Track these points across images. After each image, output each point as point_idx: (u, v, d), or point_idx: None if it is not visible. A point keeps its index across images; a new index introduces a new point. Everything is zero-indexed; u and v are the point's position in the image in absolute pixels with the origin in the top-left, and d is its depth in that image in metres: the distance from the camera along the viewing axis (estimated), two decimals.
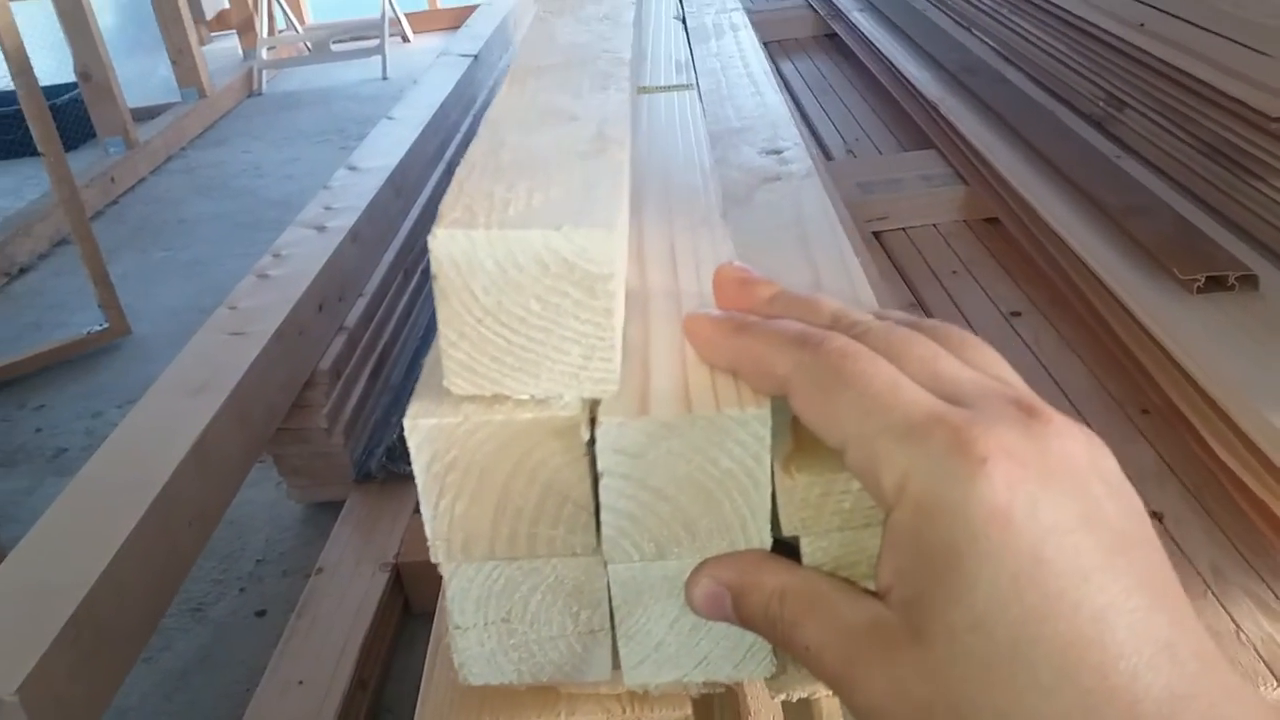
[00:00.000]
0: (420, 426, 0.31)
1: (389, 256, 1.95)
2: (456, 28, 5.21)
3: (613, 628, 0.36)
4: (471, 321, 0.30)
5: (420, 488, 0.33)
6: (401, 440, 1.64)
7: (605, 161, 0.34)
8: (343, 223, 1.76)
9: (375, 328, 1.81)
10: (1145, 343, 0.85)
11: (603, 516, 0.32)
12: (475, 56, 2.84)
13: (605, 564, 0.34)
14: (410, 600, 1.46)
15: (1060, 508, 0.25)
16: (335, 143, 3.75)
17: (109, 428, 2.07)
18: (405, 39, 5.08)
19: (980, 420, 0.26)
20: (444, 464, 0.32)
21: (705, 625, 0.35)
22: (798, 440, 0.32)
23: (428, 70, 2.75)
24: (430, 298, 2.05)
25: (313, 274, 1.58)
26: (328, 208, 1.83)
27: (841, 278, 0.42)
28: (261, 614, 1.52)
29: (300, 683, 1.23)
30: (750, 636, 0.35)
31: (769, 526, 0.32)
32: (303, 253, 1.65)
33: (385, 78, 4.50)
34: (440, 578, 1.20)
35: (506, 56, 3.24)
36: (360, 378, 1.71)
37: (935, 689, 0.25)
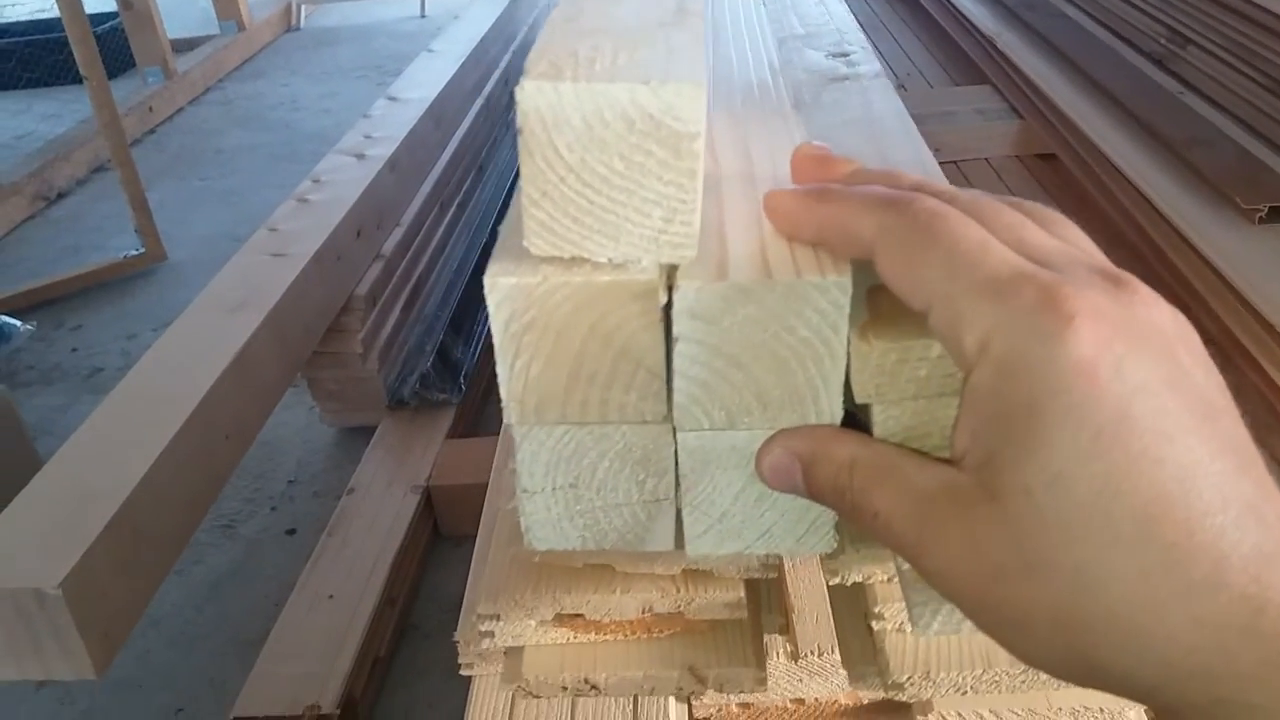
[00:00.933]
0: (500, 285, 0.31)
1: (426, 187, 1.95)
2: None
3: (678, 497, 0.36)
4: (554, 180, 0.30)
5: (497, 347, 0.33)
6: (435, 369, 1.65)
7: (686, 30, 0.34)
8: (382, 151, 1.76)
9: (411, 257, 1.82)
10: (1205, 274, 0.84)
11: (675, 383, 0.32)
12: None
13: (674, 432, 0.34)
14: (439, 523, 1.48)
15: (1147, 369, 0.25)
16: (373, 79, 3.73)
17: (144, 350, 2.09)
18: None
19: (1069, 282, 0.25)
20: (521, 324, 0.32)
21: (770, 497, 0.35)
22: (874, 311, 0.32)
23: (469, 6, 2.72)
24: (466, 227, 2.06)
25: (351, 200, 1.58)
26: (367, 136, 1.83)
27: (917, 172, 0.41)
28: (292, 532, 1.54)
29: (330, 597, 1.25)
30: (814, 510, 0.35)
31: (841, 399, 0.32)
32: (342, 179, 1.65)
33: (424, 15, 4.46)
34: (471, 501, 1.21)
35: None
36: (395, 306, 1.72)
37: (1010, 548, 0.25)
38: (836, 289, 0.31)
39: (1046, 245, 0.28)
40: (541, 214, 0.30)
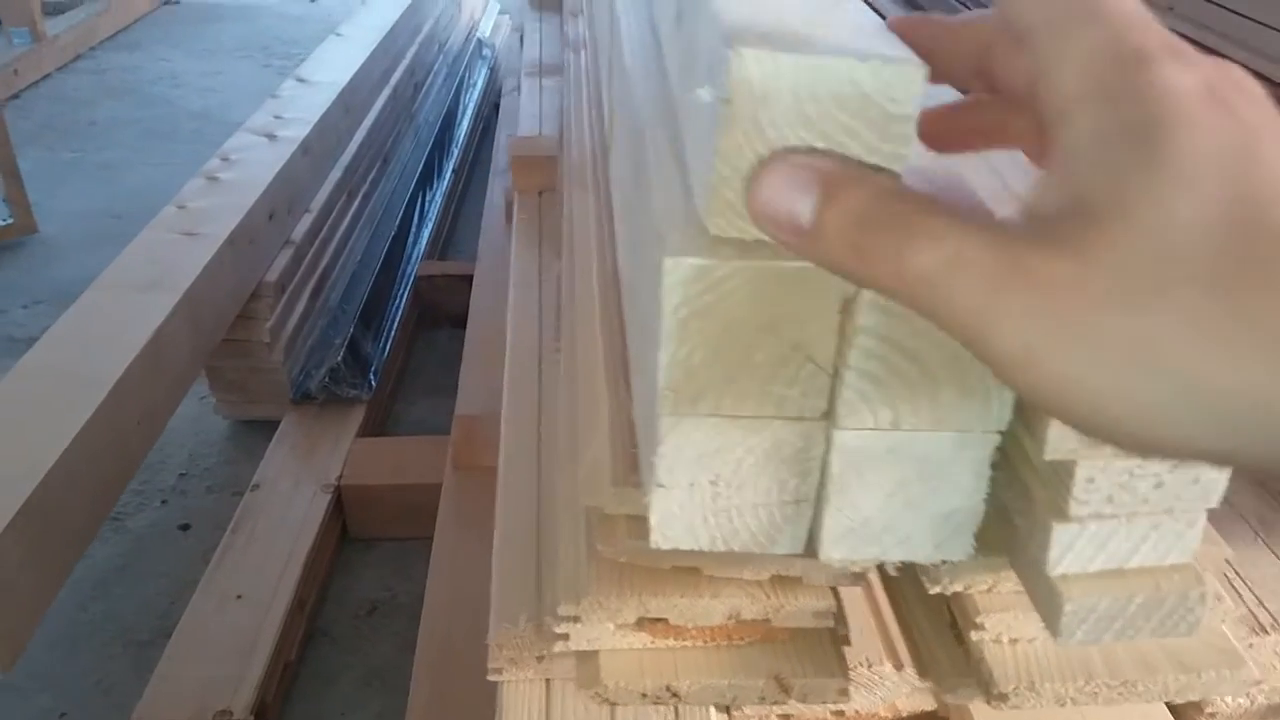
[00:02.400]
0: (682, 266, 0.30)
1: (336, 174, 1.88)
2: None
3: (819, 499, 0.35)
4: (750, 157, 0.28)
5: (663, 332, 0.31)
6: (345, 363, 1.59)
7: (862, 10, 0.33)
8: (294, 133, 1.69)
9: (319, 245, 1.75)
10: None
11: (846, 378, 0.31)
12: None
13: (830, 430, 0.33)
14: (349, 524, 1.41)
15: (1268, 117, 0.23)
16: (259, 59, 3.59)
17: (14, 326, 1.94)
18: None
19: (1185, 51, 0.24)
20: (692, 309, 0.30)
21: (918, 500, 0.34)
22: None
23: None
24: (370, 219, 1.99)
25: (265, 181, 1.51)
26: (277, 116, 1.75)
27: None
28: (185, 528, 1.45)
29: (239, 597, 1.18)
30: (958, 513, 0.34)
31: (1011, 406, 0.32)
32: (253, 159, 1.58)
33: (313, 0, 4.31)
34: (384, 502, 1.17)
35: None
36: (303, 295, 1.64)
37: (1143, 256, 0.21)
38: None
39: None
40: (731, 193, 0.28)
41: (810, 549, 0.36)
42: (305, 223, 1.69)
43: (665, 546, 0.35)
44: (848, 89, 0.27)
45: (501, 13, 3.70)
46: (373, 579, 1.37)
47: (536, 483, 0.55)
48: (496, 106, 2.79)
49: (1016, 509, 0.36)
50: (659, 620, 0.41)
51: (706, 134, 0.29)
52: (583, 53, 0.90)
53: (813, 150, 0.27)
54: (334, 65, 2.03)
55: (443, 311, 1.99)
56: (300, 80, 1.93)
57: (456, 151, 2.57)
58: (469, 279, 1.89)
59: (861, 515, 0.34)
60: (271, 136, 1.66)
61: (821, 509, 0.35)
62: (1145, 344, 0.21)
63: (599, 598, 0.40)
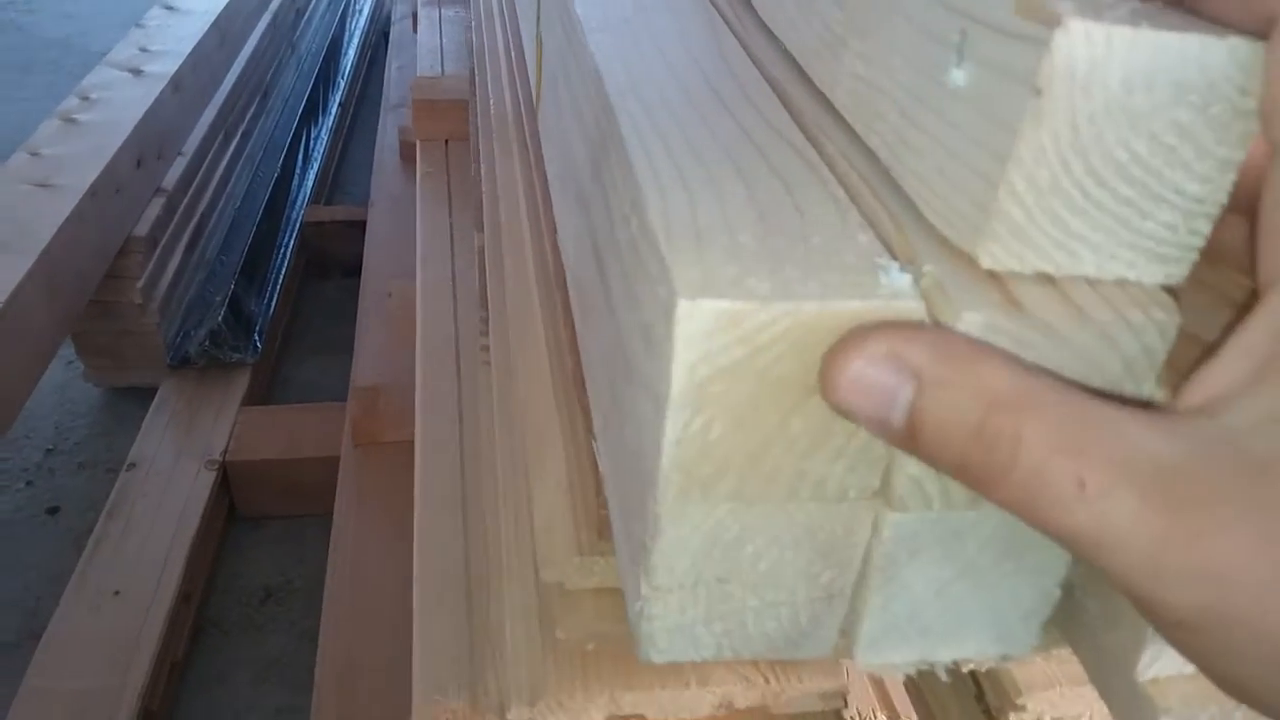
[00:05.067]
0: (702, 311, 0.21)
1: (210, 114, 1.71)
2: None
3: (857, 593, 0.27)
4: (1055, 163, 0.21)
5: (671, 398, 0.22)
6: (227, 324, 1.45)
7: None
8: (163, 68, 1.53)
9: (195, 192, 1.59)
10: None
11: None
12: None
13: (882, 512, 0.25)
14: (237, 502, 1.30)
15: None
16: None
17: None
18: None
19: None
20: (715, 368, 0.22)
21: (983, 588, 0.27)
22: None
23: None
24: (249, 161, 1.84)
25: (131, 124, 1.35)
26: (143, 49, 1.58)
27: None
28: (54, 511, 1.31)
29: (116, 593, 1.06)
30: (1028, 599, 0.27)
31: None
32: (117, 98, 1.41)
33: None
34: (274, 478, 1.04)
35: None
36: (177, 249, 1.49)
37: None
38: (1155, 330, 0.23)
39: None
40: (1020, 212, 0.21)
41: (842, 651, 0.28)
42: (178, 168, 1.53)
43: (659, 660, 0.27)
44: (1193, 74, 0.20)
45: None
46: (265, 562, 1.26)
47: (463, 525, 0.47)
48: (385, 35, 2.62)
49: (1089, 590, 0.29)
50: (636, 717, 0.33)
51: (965, 129, 0.22)
52: None
53: (907, 331, 0.21)
54: None
55: (332, 260, 1.85)
56: (168, 8, 1.74)
57: (343, 84, 2.40)
58: (360, 225, 1.76)
59: (908, 609, 0.27)
60: (137, 71, 1.49)
61: (860, 605, 0.27)
62: None
63: (559, 696, 0.32)
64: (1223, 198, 0.22)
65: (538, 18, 0.51)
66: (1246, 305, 0.21)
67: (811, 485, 0.24)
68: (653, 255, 0.23)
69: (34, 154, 1.25)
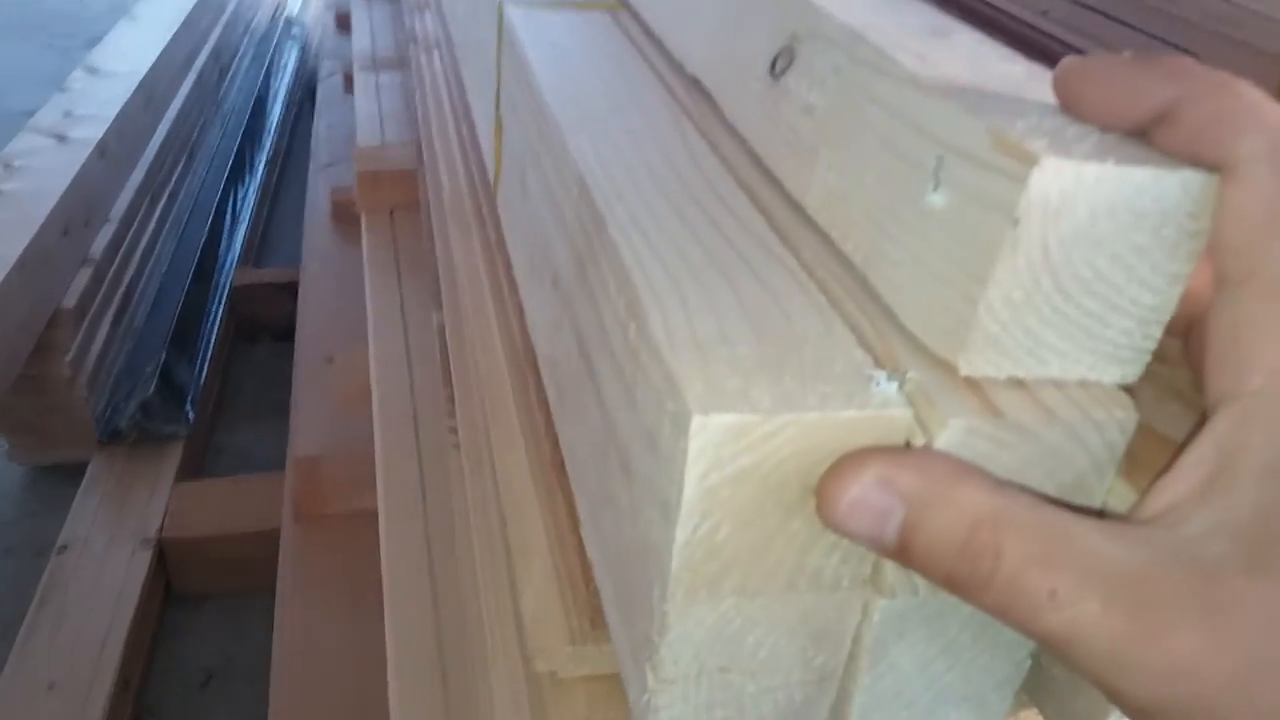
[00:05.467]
0: (714, 424, 0.23)
1: (137, 177, 1.68)
2: None
3: (847, 673, 0.28)
4: (1027, 282, 0.23)
5: (683, 505, 0.24)
6: (159, 394, 1.42)
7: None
8: (89, 133, 1.50)
9: (122, 260, 1.56)
10: None
11: None
12: None
13: (872, 598, 0.27)
14: (173, 581, 1.26)
15: None
16: (38, 40, 3.25)
17: None
18: None
19: None
20: (723, 475, 0.24)
21: (964, 663, 0.28)
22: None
23: None
24: (175, 224, 1.81)
25: (57, 192, 1.33)
26: (68, 114, 1.55)
27: None
28: None
29: (51, 687, 1.02)
30: (1002, 669, 0.29)
31: None
32: (42, 165, 1.39)
33: None
34: (212, 555, 1.02)
35: None
36: (105, 318, 1.46)
37: None
38: (1116, 426, 0.25)
39: None
40: (996, 326, 0.24)
41: None
42: (105, 235, 1.50)
43: None
44: (1149, 203, 0.23)
45: None
46: (205, 643, 1.22)
47: (434, 611, 0.47)
48: (311, 91, 2.61)
49: (1056, 660, 0.31)
50: None
51: (942, 248, 0.24)
52: (436, 54, 0.80)
53: (896, 458, 0.23)
54: (131, 52, 1.83)
55: (262, 324, 1.83)
56: (92, 70, 1.72)
57: (269, 143, 2.38)
58: (291, 286, 1.74)
59: (895, 687, 0.29)
60: (62, 138, 1.47)
61: (850, 684, 0.29)
62: None
63: None
64: (1173, 306, 0.24)
65: (496, 99, 0.52)
66: (1201, 420, 0.23)
67: (809, 577, 0.26)
68: (656, 366, 0.25)
69: None
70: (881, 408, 0.23)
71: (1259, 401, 0.21)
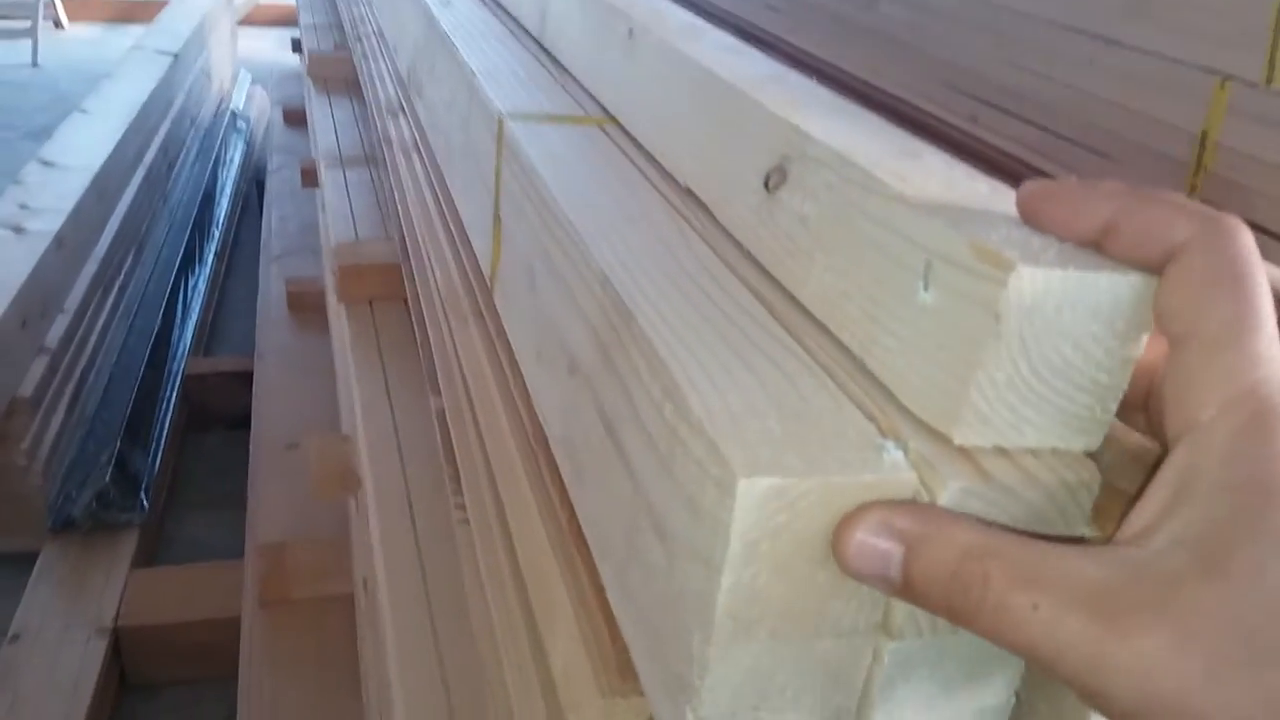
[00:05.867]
0: (758, 487, 0.27)
1: (91, 268, 1.69)
2: (117, 20, 4.71)
3: (860, 710, 0.32)
4: (1007, 366, 0.27)
5: (728, 559, 0.28)
6: (115, 483, 1.42)
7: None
8: (45, 226, 1.52)
9: (75, 349, 1.56)
10: None
11: None
12: (175, 55, 2.57)
13: (883, 641, 0.31)
14: (128, 671, 1.25)
15: None
16: None
17: None
18: (59, 24, 4.51)
19: None
20: (764, 531, 0.28)
21: (960, 700, 0.32)
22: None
23: (122, 63, 2.45)
24: (125, 313, 1.81)
25: (16, 284, 1.34)
26: (23, 206, 1.56)
27: None
28: None
29: None
30: (991, 704, 0.33)
31: None
32: (1, 256, 1.39)
33: (36, 64, 3.95)
34: (168, 643, 1.04)
35: (203, 58, 2.97)
36: (59, 407, 1.46)
37: (1236, 636, 0.22)
38: (1084, 487, 0.29)
39: None
40: (983, 403, 0.28)
41: None
42: (60, 325, 1.51)
43: None
44: (1106, 302, 0.27)
45: (254, 83, 3.53)
46: None
47: (443, 683, 0.49)
48: (258, 184, 2.64)
49: (1038, 694, 0.35)
50: None
51: (934, 338, 0.29)
52: (415, 157, 0.85)
53: (892, 505, 0.27)
54: (84, 147, 1.85)
55: (213, 413, 1.83)
56: (46, 164, 1.73)
57: (217, 233, 2.40)
58: (243, 375, 1.75)
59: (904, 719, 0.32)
60: (19, 230, 1.48)
61: (863, 718, 0.32)
62: (1259, 702, 0.22)
63: None
64: (1124, 385, 0.29)
65: (495, 201, 0.57)
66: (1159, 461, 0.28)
67: (830, 622, 0.30)
68: (697, 439, 0.29)
69: None
70: (892, 472, 0.28)
71: (1209, 430, 0.25)
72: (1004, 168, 1.04)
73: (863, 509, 0.27)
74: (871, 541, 0.26)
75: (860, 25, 1.41)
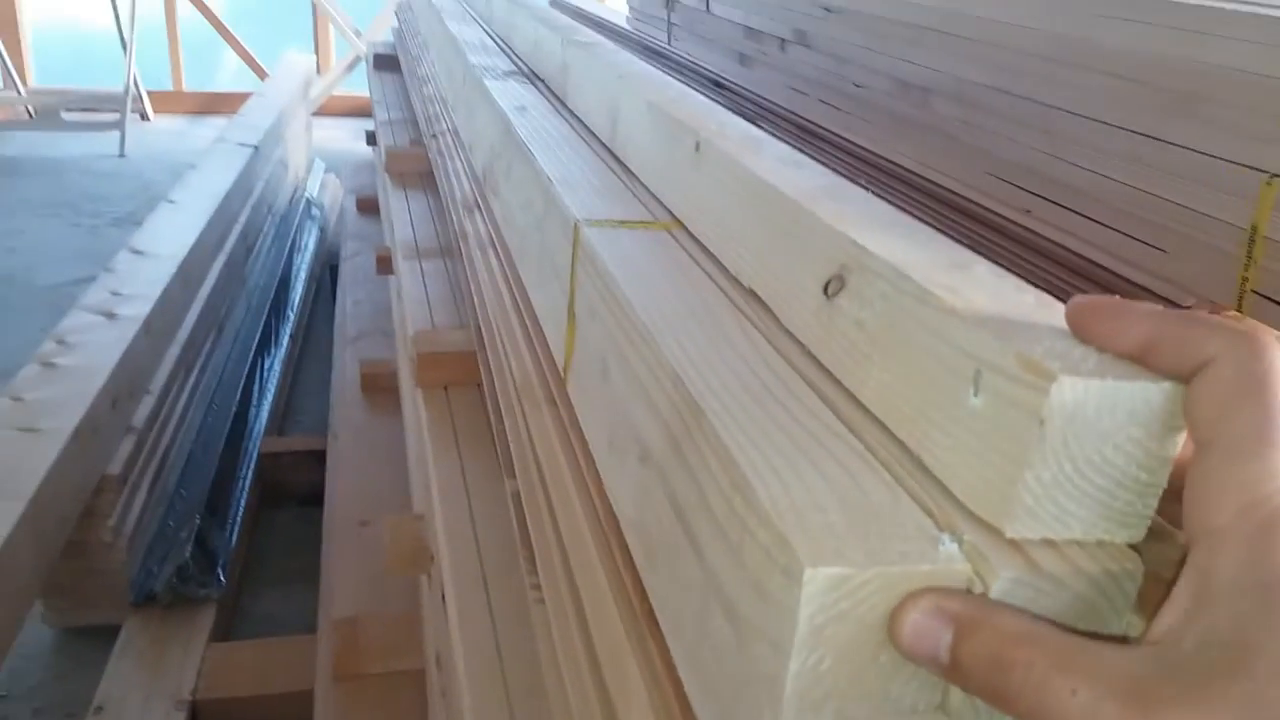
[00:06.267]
0: (821, 576, 0.29)
1: (174, 350, 1.78)
2: (199, 112, 4.96)
3: None
4: (1053, 465, 0.30)
5: (795, 642, 0.30)
6: (194, 559, 1.47)
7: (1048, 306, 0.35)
8: (135, 311, 1.60)
9: (159, 428, 1.63)
10: None
11: None
12: (255, 147, 2.70)
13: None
14: None
15: None
16: (66, 218, 3.40)
17: None
18: (145, 117, 4.75)
19: None
20: (828, 616, 0.30)
21: None
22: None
23: (206, 155, 2.58)
24: (205, 393, 1.88)
25: (108, 367, 1.41)
26: (115, 293, 1.65)
27: None
28: None
29: None
30: None
31: None
32: (93, 341, 1.48)
33: (123, 155, 4.16)
34: (245, 715, 1.07)
35: (281, 149, 3.11)
36: (143, 484, 1.52)
37: (1260, 718, 0.24)
38: (1128, 577, 0.31)
39: None
40: (1031, 500, 0.30)
41: None
42: (146, 405, 1.58)
43: None
44: (1141, 407, 0.29)
45: (327, 171, 3.68)
46: None
47: None
48: (332, 268, 2.74)
49: None
50: None
51: (984, 439, 0.31)
52: (490, 253, 0.90)
53: (946, 592, 0.29)
54: (170, 235, 1.95)
55: (287, 490, 1.89)
56: (136, 252, 1.83)
57: (292, 316, 2.49)
58: (316, 454, 1.81)
59: None
60: (110, 315, 1.56)
61: None
62: None
63: None
64: (1164, 482, 0.31)
65: (570, 298, 0.61)
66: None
67: (893, 702, 0.32)
68: (765, 530, 0.32)
69: (16, 399, 1.30)
70: (947, 563, 0.30)
71: (1225, 535, 0.27)
72: (1060, 259, 1.06)
73: (918, 593, 0.29)
74: (925, 623, 0.29)
75: (915, 121, 1.46)
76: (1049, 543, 0.31)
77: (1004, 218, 1.13)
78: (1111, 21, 1.09)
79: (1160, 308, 0.31)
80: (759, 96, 1.85)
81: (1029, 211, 1.16)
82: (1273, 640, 0.25)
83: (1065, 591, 0.31)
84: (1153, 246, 1.03)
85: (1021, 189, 1.21)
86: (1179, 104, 1.01)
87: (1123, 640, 0.29)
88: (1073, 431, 0.30)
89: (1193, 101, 1.00)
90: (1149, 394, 0.30)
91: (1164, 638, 0.27)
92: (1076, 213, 1.13)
